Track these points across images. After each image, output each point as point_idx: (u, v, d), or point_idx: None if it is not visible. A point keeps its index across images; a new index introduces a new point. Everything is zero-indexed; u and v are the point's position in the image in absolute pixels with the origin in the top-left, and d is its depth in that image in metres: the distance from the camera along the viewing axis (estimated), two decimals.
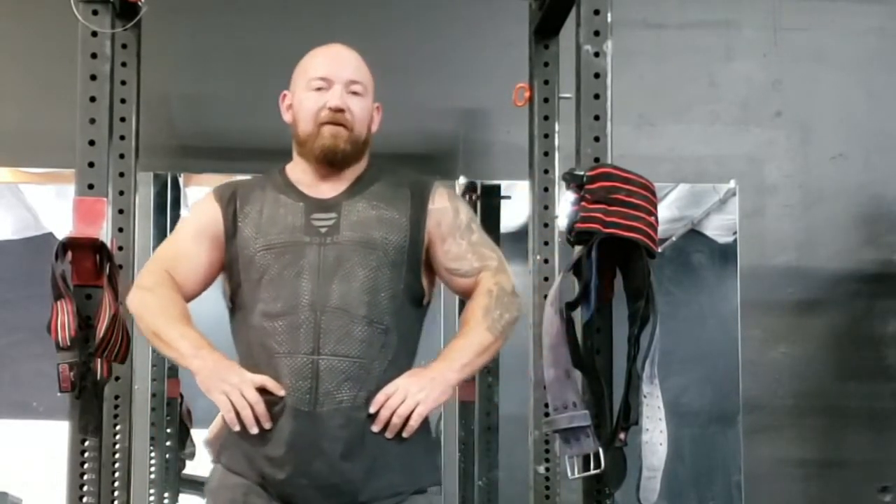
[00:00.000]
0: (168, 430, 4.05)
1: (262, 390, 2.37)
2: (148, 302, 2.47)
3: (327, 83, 2.50)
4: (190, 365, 2.40)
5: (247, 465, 2.40)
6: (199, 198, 2.67)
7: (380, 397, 2.37)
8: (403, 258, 2.46)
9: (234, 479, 2.42)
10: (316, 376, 2.35)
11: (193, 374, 2.41)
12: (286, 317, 2.39)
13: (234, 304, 2.51)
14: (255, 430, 2.35)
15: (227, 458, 2.45)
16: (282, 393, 2.36)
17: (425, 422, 2.42)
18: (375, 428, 2.36)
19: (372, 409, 2.36)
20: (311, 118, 2.50)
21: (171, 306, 2.46)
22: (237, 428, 2.36)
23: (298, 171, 2.56)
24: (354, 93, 2.50)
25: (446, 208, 2.54)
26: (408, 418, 2.36)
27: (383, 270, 2.42)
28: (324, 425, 2.35)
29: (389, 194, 2.51)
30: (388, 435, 2.38)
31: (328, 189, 2.52)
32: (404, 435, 2.38)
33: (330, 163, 2.50)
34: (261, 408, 2.35)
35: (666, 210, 4.25)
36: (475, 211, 4.10)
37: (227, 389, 2.35)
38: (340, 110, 2.48)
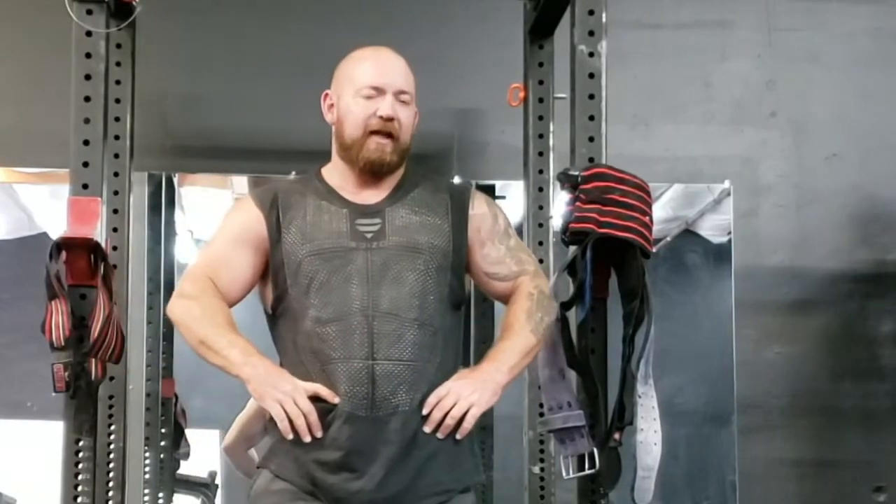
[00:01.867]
0: (163, 431, 4.05)
1: (315, 398, 2.38)
2: (193, 310, 2.46)
3: (378, 92, 2.52)
4: (240, 373, 2.39)
5: (296, 472, 2.42)
6: (238, 201, 2.66)
7: (432, 399, 2.39)
8: (448, 262, 2.48)
9: (280, 484, 2.43)
10: (372, 381, 2.37)
11: (244, 383, 2.40)
12: (338, 322, 2.40)
13: (278, 310, 2.50)
14: (307, 439, 2.37)
15: (276, 465, 2.45)
16: (336, 400, 2.37)
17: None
18: (427, 429, 2.39)
19: (425, 411, 2.39)
20: (359, 125, 2.51)
21: (216, 314, 2.45)
22: (290, 436, 2.37)
23: (337, 176, 2.57)
24: (403, 102, 2.53)
25: (485, 214, 2.57)
26: (460, 420, 2.39)
27: (430, 274, 2.45)
28: (382, 429, 2.37)
29: (430, 200, 2.54)
30: (440, 436, 2.40)
31: (370, 195, 2.53)
32: (458, 437, 2.41)
33: (374, 174, 2.53)
34: (313, 417, 2.36)
35: (660, 210, 4.26)
36: None
37: (281, 398, 2.36)
38: (391, 119, 2.50)
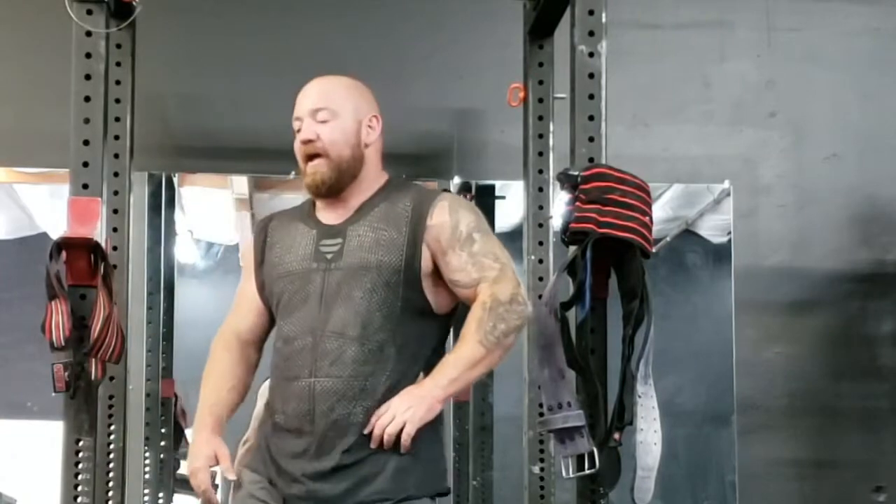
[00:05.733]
0: (163, 430, 4.05)
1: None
2: (209, 363, 2.63)
3: (300, 122, 2.58)
4: None
5: (263, 466, 2.53)
6: None
7: (373, 418, 2.44)
8: (399, 277, 2.50)
9: (251, 476, 2.54)
10: (313, 398, 2.45)
11: None
12: (293, 342, 2.50)
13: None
14: None
15: (251, 460, 2.58)
16: (229, 475, 2.52)
17: (430, 431, 2.46)
18: (373, 445, 2.44)
19: (366, 430, 2.44)
20: (299, 159, 2.59)
21: (212, 373, 2.60)
22: None
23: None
24: (322, 120, 2.56)
25: (444, 223, 2.54)
26: (399, 436, 2.42)
27: (377, 291, 2.49)
28: (321, 443, 2.44)
29: (392, 214, 2.55)
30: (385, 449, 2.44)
31: (338, 215, 2.58)
32: (402, 451, 2.43)
33: (319, 196, 2.58)
34: (207, 496, 2.50)
35: (660, 210, 4.26)
36: None
37: (189, 475, 2.53)
38: (309, 141, 2.55)
